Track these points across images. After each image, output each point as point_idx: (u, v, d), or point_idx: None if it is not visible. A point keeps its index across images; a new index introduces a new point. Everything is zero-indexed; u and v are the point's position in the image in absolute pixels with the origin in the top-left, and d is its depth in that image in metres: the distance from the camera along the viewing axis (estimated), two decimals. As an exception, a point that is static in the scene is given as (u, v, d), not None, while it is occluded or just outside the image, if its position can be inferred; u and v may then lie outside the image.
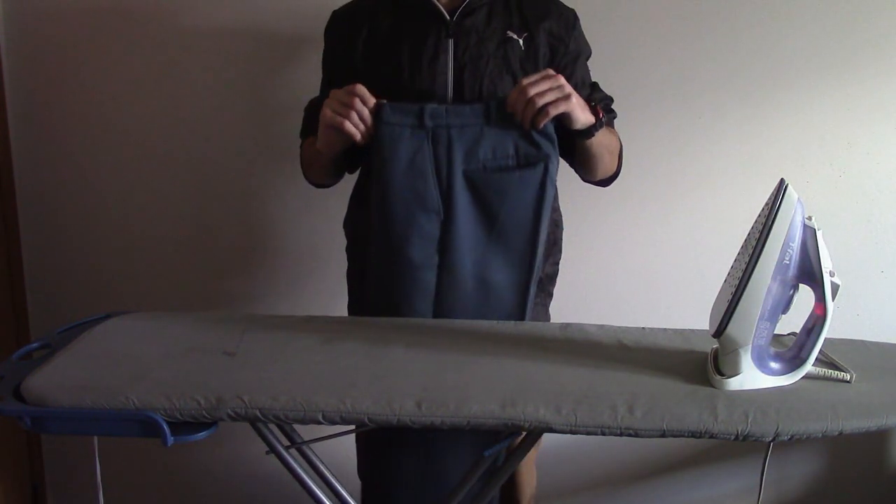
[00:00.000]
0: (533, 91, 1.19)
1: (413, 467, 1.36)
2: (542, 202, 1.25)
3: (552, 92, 1.19)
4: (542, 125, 1.21)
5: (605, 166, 1.38)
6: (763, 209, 1.00)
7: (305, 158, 1.43)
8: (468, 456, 1.28)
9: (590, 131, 1.25)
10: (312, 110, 1.41)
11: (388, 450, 1.36)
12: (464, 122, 1.24)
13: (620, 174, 1.42)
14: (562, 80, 1.20)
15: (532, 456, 1.57)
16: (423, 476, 1.36)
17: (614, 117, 1.42)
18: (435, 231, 1.25)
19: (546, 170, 1.24)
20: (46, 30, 1.76)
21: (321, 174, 1.44)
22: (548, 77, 1.20)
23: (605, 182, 1.43)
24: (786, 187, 0.98)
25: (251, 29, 1.74)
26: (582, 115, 1.22)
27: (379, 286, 1.32)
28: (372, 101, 1.22)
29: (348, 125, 1.21)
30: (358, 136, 1.23)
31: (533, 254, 1.27)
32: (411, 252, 1.25)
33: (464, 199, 1.25)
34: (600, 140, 1.29)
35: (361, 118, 1.22)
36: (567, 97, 1.19)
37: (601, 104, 1.35)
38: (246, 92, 1.77)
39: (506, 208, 1.25)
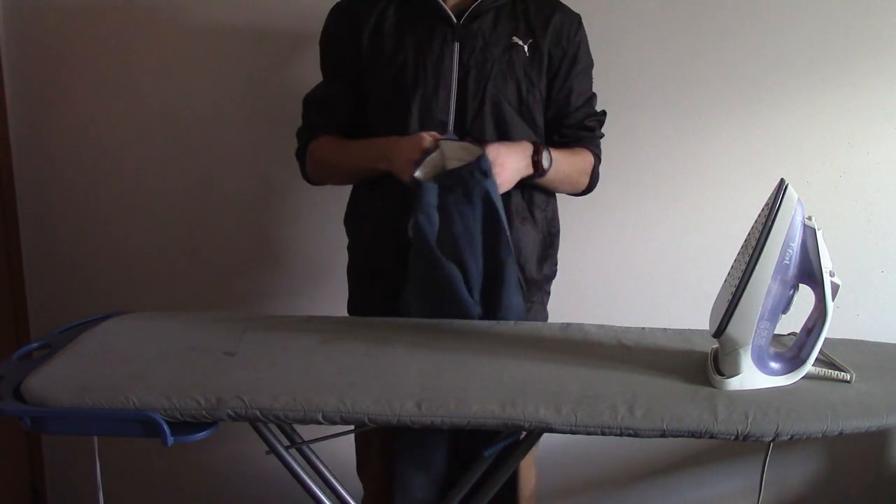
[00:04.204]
0: None
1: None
2: None
3: None
4: None
5: (566, 190, 1.44)
6: (763, 209, 1.00)
7: (325, 160, 1.41)
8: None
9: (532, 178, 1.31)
10: (319, 107, 1.41)
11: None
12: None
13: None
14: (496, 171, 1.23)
15: (532, 454, 1.57)
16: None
17: (595, 139, 1.44)
18: None
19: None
20: (46, 30, 1.76)
21: (347, 179, 1.44)
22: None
23: (573, 195, 1.48)
24: (786, 187, 0.98)
25: (252, 28, 1.74)
26: (517, 178, 1.28)
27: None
28: None
29: None
30: None
31: None
32: None
33: None
34: (552, 178, 1.33)
35: None
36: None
37: (588, 120, 1.41)
38: (246, 91, 1.77)
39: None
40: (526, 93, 1.35)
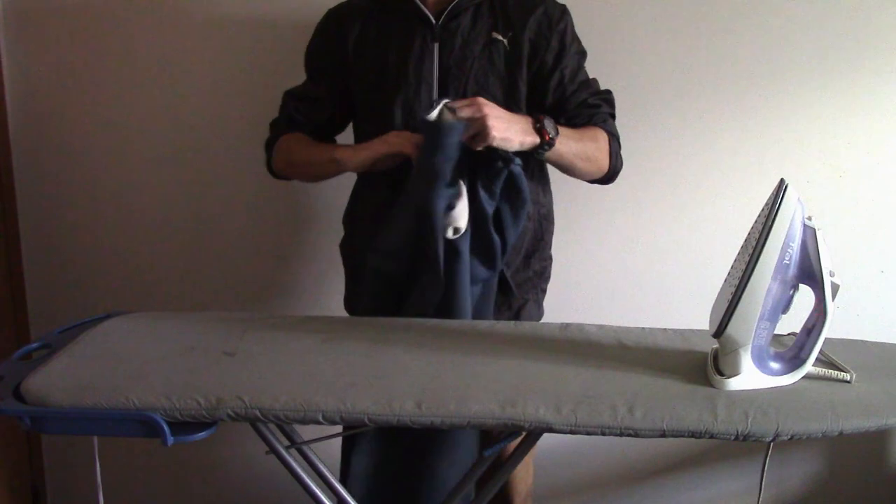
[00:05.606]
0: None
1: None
2: None
3: (473, 125, 1.18)
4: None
5: (582, 172, 1.35)
6: (763, 209, 1.00)
7: (296, 155, 1.42)
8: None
9: (538, 151, 1.24)
10: (298, 103, 1.44)
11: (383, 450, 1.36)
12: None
13: (622, 173, 1.40)
14: (485, 112, 1.17)
15: (531, 453, 1.57)
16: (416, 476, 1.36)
17: (603, 115, 1.37)
18: None
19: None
20: (46, 29, 1.76)
21: (316, 177, 1.46)
22: (471, 104, 1.18)
23: (602, 181, 1.40)
24: (786, 187, 0.98)
25: (252, 28, 1.74)
26: (517, 139, 1.20)
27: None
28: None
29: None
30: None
31: None
32: None
33: None
34: (563, 152, 1.26)
35: None
36: (485, 135, 1.17)
37: (591, 98, 1.35)
38: (246, 91, 1.77)
39: None
40: (510, 87, 1.34)
